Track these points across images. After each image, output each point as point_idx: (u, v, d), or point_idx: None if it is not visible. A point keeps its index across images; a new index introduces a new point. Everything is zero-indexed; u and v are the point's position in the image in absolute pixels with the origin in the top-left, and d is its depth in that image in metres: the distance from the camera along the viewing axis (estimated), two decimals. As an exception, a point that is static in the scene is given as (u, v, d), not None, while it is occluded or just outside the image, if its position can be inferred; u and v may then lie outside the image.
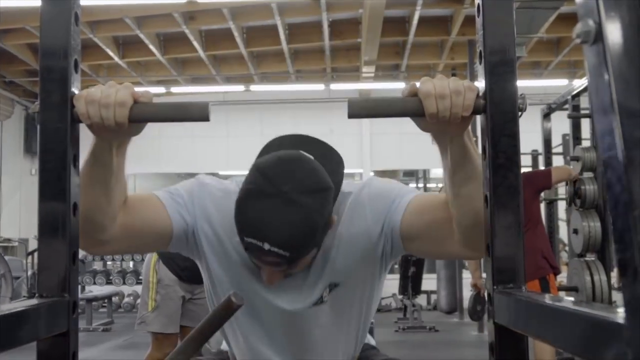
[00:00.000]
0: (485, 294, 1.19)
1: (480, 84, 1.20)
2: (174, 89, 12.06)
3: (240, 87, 12.19)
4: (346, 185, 1.55)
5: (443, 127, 1.24)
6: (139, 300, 10.58)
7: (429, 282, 10.00)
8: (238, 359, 1.68)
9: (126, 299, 10.77)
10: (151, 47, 10.16)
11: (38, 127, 1.16)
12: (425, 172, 14.90)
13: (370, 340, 1.84)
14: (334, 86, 12.18)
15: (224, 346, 1.77)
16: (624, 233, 0.64)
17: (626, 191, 0.64)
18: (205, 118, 1.16)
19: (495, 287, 1.14)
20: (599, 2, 0.69)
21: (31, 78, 11.75)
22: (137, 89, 1.20)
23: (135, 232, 1.44)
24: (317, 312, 1.56)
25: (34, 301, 1.10)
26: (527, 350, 1.14)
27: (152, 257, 3.41)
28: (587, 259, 5.42)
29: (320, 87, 12.14)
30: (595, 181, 5.42)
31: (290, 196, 1.34)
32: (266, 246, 1.33)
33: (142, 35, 9.67)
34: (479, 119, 1.24)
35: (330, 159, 1.47)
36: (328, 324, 1.59)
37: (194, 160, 12.86)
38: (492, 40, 1.17)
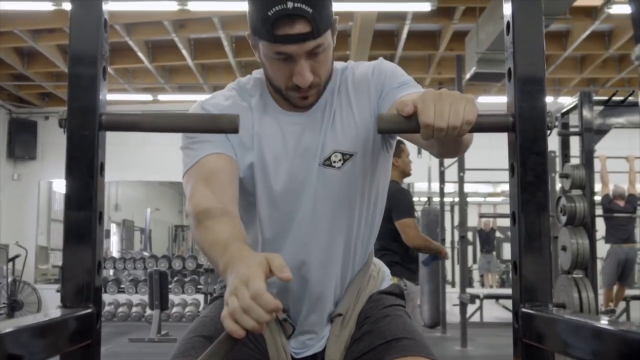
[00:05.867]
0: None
1: (509, 101, 1.20)
2: (161, 97, 12.02)
3: (227, 97, 12.17)
4: (354, 62, 1.73)
5: None
6: (120, 309, 10.44)
7: (412, 295, 9.99)
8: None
9: (107, 308, 10.68)
10: (139, 54, 10.12)
11: (65, 134, 1.15)
12: (409, 185, 14.95)
13: (388, 275, 1.86)
14: (321, 98, 12.20)
15: None
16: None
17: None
18: (235, 130, 1.16)
19: (522, 305, 1.14)
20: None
21: (16, 82, 11.67)
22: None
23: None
24: (327, 174, 1.61)
25: (58, 312, 1.09)
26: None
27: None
28: (574, 275, 5.46)
29: (307, 98, 12.15)
30: (584, 199, 5.46)
31: None
32: (289, 4, 1.41)
33: (130, 42, 9.63)
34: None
35: None
36: (340, 192, 1.62)
37: (179, 168, 12.75)
38: (522, 58, 1.18)
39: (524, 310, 1.13)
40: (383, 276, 1.81)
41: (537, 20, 1.19)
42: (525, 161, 1.16)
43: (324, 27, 1.48)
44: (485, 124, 1.20)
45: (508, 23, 1.20)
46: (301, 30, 1.44)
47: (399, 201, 4.54)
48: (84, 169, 1.14)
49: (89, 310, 1.11)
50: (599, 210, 7.40)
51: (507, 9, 1.20)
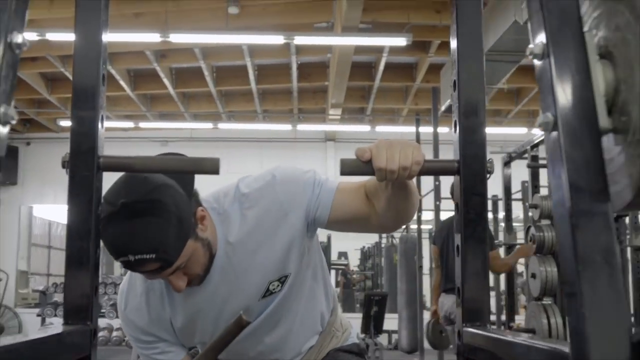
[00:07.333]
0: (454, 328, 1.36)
1: (455, 148, 1.38)
2: (142, 124, 12.17)
3: (208, 125, 12.35)
4: (246, 185, 1.66)
5: None
6: (115, 334, 10.41)
7: (390, 321, 10.13)
8: None
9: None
10: (121, 82, 10.29)
11: (68, 174, 1.31)
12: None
13: (353, 336, 1.99)
14: (301, 127, 12.41)
15: None
16: (570, 283, 0.82)
17: (573, 244, 0.83)
18: (216, 172, 1.32)
19: (464, 324, 1.32)
20: (556, 101, 0.88)
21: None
22: None
23: None
24: (269, 300, 1.69)
25: (60, 328, 1.24)
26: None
27: None
28: (544, 302, 5.63)
29: (287, 127, 12.35)
30: (553, 228, 5.65)
31: (129, 207, 1.43)
32: (131, 258, 1.44)
33: (113, 71, 9.80)
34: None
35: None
36: (283, 300, 1.70)
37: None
38: (466, 112, 1.36)
39: (465, 329, 1.31)
40: (347, 336, 1.97)
41: (480, 81, 1.38)
42: (468, 201, 1.34)
43: (177, 252, 1.48)
44: (434, 168, 1.39)
45: (455, 82, 1.39)
46: (151, 268, 1.47)
47: None
48: (84, 205, 1.30)
49: (88, 327, 1.26)
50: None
51: (455, 71, 1.39)
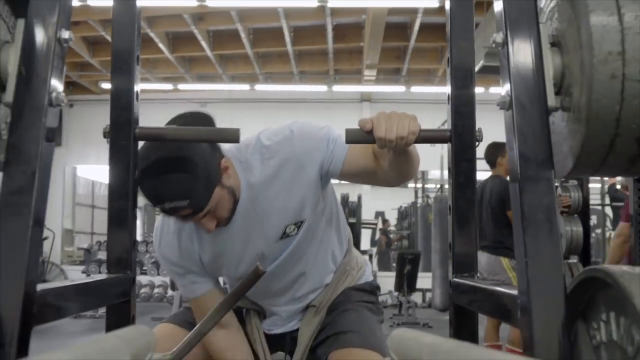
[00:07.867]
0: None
1: (448, 119, 1.54)
2: (181, 86, 12.41)
3: (245, 86, 12.53)
4: (267, 137, 1.83)
5: None
6: (142, 290, 10.79)
7: (424, 280, 10.31)
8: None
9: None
10: (160, 45, 10.51)
11: (108, 143, 1.51)
12: (424, 173, 15.25)
13: (368, 274, 2.17)
14: (336, 88, 12.52)
15: None
16: (519, 239, 1.00)
17: (520, 203, 1.00)
18: (236, 140, 1.51)
19: (454, 275, 1.50)
20: (511, 84, 1.05)
21: None
22: None
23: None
24: (287, 242, 1.88)
25: (104, 276, 1.46)
26: (477, 325, 1.49)
27: (502, 261, 4.99)
28: (569, 261, 5.76)
29: (322, 88, 12.48)
30: (579, 189, 5.76)
31: (162, 161, 1.60)
32: (167, 205, 1.61)
33: (152, 34, 10.01)
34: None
35: (202, 122, 1.72)
36: (300, 242, 1.89)
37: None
38: (457, 85, 1.52)
39: (454, 279, 1.49)
40: (361, 274, 2.14)
41: (470, 57, 1.53)
42: (458, 166, 1.51)
43: (206, 199, 1.66)
44: (429, 137, 1.55)
45: (448, 58, 1.55)
46: (184, 213, 1.67)
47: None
48: (123, 169, 1.50)
49: (128, 276, 1.48)
50: (595, 200, 7.67)
51: (449, 49, 1.55)
